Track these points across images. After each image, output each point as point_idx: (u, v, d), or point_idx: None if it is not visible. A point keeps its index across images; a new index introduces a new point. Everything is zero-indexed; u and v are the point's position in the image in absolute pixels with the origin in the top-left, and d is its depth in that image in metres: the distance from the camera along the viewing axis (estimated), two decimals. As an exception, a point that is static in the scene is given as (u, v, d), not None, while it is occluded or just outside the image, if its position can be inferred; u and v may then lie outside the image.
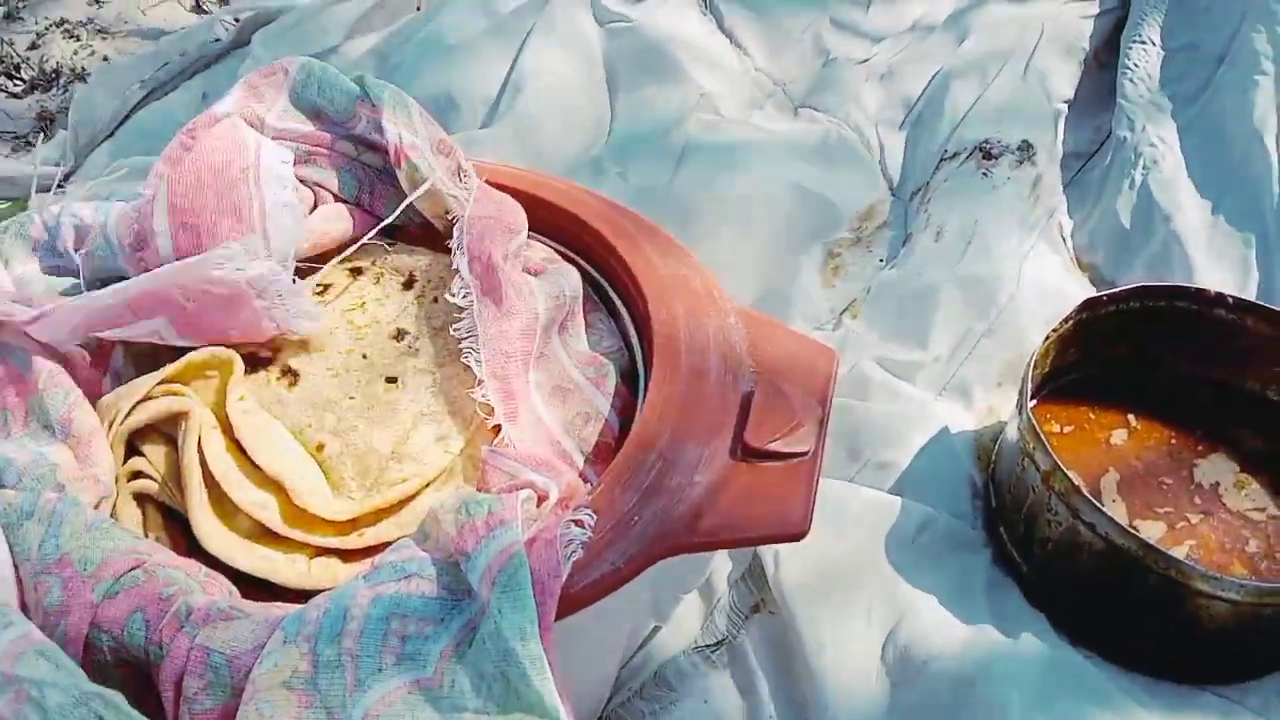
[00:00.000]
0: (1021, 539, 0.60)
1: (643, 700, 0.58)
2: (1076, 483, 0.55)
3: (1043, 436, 0.56)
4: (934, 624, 0.56)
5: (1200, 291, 0.64)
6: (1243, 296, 0.64)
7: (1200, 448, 0.65)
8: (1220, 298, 0.64)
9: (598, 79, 0.93)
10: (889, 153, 0.89)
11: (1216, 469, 0.64)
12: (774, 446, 0.51)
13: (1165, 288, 0.65)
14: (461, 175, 0.59)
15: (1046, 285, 0.75)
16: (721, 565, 0.64)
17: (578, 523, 0.45)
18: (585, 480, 0.53)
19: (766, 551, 0.62)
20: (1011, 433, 0.61)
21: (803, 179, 0.83)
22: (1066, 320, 0.63)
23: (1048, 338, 0.62)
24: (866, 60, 0.99)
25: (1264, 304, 0.64)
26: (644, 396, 0.55)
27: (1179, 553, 0.60)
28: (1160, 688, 0.56)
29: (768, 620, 0.61)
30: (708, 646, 0.61)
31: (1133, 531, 0.53)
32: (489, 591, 0.41)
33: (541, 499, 0.47)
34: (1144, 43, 0.90)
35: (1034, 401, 0.67)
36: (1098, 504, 0.54)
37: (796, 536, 0.49)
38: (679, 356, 0.55)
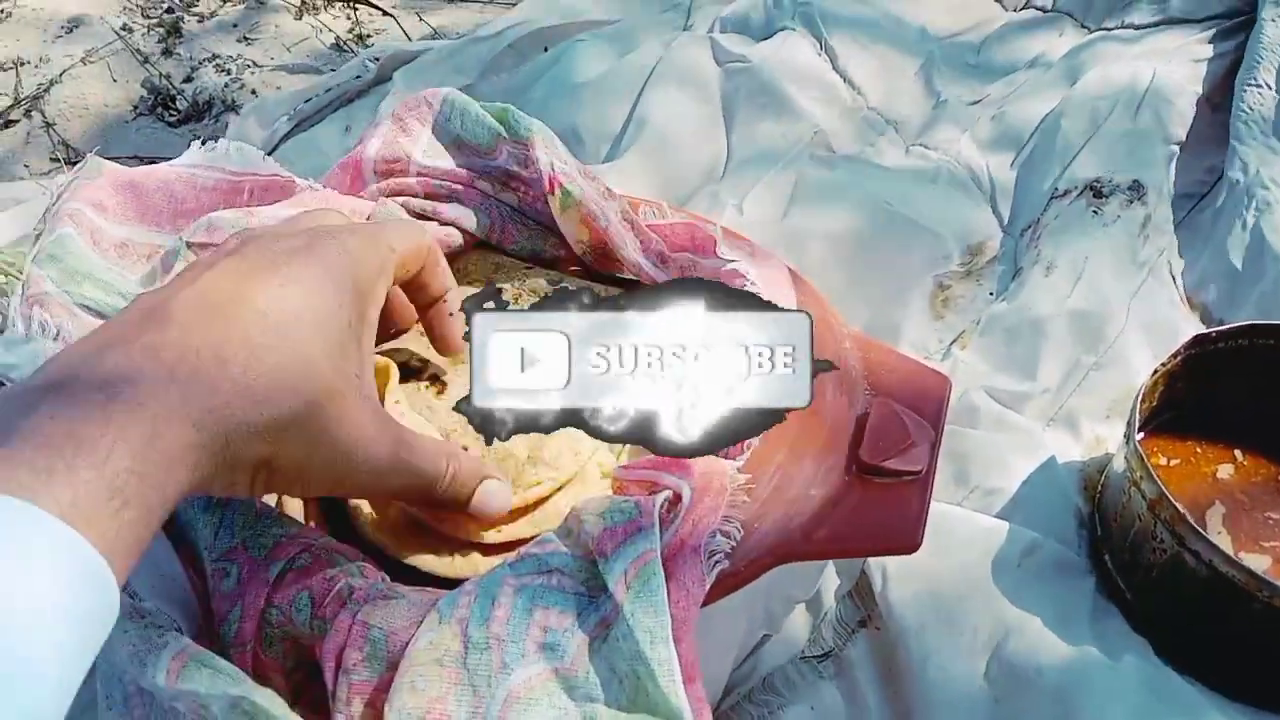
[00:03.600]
0: (1126, 566, 0.62)
1: (752, 704, 0.61)
2: (1182, 511, 0.56)
3: (1150, 466, 0.58)
4: (1038, 643, 0.58)
5: (1312, 332, 0.65)
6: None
7: (1307, 485, 0.66)
8: (1334, 338, 0.65)
9: (715, 116, 0.97)
10: (1000, 189, 0.91)
11: (1324, 506, 0.64)
12: (888, 464, 0.54)
13: (1275, 326, 0.66)
14: (610, 195, 0.63)
15: (1155, 322, 0.77)
16: (829, 580, 0.67)
17: (724, 533, 0.48)
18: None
19: (874, 568, 0.64)
20: (1119, 463, 0.63)
21: (914, 214, 0.86)
22: (1175, 355, 0.65)
23: (1156, 372, 0.64)
24: (979, 101, 1.01)
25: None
26: (763, 414, 0.58)
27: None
28: (1264, 718, 0.57)
29: (874, 635, 0.63)
30: (815, 657, 0.63)
31: (1237, 560, 0.54)
32: (623, 594, 0.45)
33: (677, 499, 0.50)
34: (1259, 86, 0.90)
35: (1141, 434, 0.68)
36: (1203, 532, 0.56)
37: (908, 550, 0.52)
38: (796, 377, 0.58)
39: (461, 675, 0.45)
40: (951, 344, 0.80)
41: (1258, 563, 0.62)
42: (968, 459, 0.69)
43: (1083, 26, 1.10)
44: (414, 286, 0.53)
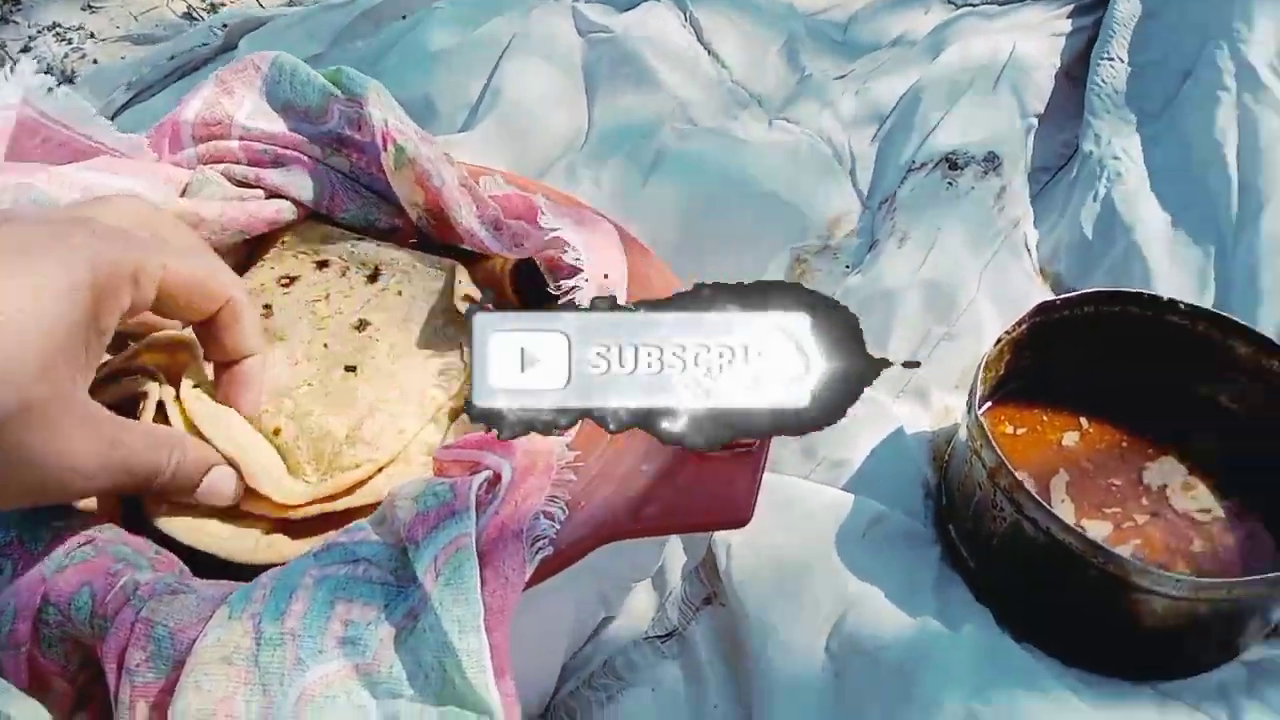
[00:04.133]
0: (969, 535, 0.61)
1: (590, 689, 0.59)
2: (1020, 479, 0.56)
3: (990, 434, 0.58)
4: (880, 616, 0.57)
5: (1153, 297, 0.65)
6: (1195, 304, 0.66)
7: (1150, 450, 0.66)
8: (1172, 304, 0.65)
9: (576, 88, 0.95)
10: (860, 164, 0.90)
11: (1165, 471, 0.65)
12: (720, 437, 0.52)
13: (1118, 293, 0.66)
14: (448, 160, 0.60)
15: (1007, 292, 0.76)
16: (675, 557, 0.65)
17: (548, 515, 0.46)
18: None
19: (720, 544, 0.63)
20: (962, 432, 0.62)
21: (774, 187, 0.85)
22: (1020, 324, 0.64)
23: (1000, 340, 0.63)
24: (843, 76, 1.00)
25: (1214, 310, 0.65)
26: (595, 387, 0.56)
27: (1124, 551, 0.61)
28: (1100, 682, 0.57)
29: (719, 612, 0.62)
30: (658, 637, 0.62)
31: (1073, 526, 0.54)
32: (432, 583, 0.42)
33: (497, 479, 0.48)
34: (1112, 59, 0.91)
35: (988, 403, 0.68)
36: (1040, 500, 0.55)
37: (739, 523, 0.50)
38: (632, 350, 0.56)
39: (251, 674, 0.41)
40: (808, 317, 0.78)
41: (1099, 529, 0.62)
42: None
43: (949, 2, 1.10)
44: (206, 337, 0.49)
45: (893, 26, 1.07)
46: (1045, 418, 0.68)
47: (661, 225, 0.82)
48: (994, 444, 0.57)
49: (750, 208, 0.83)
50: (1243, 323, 0.64)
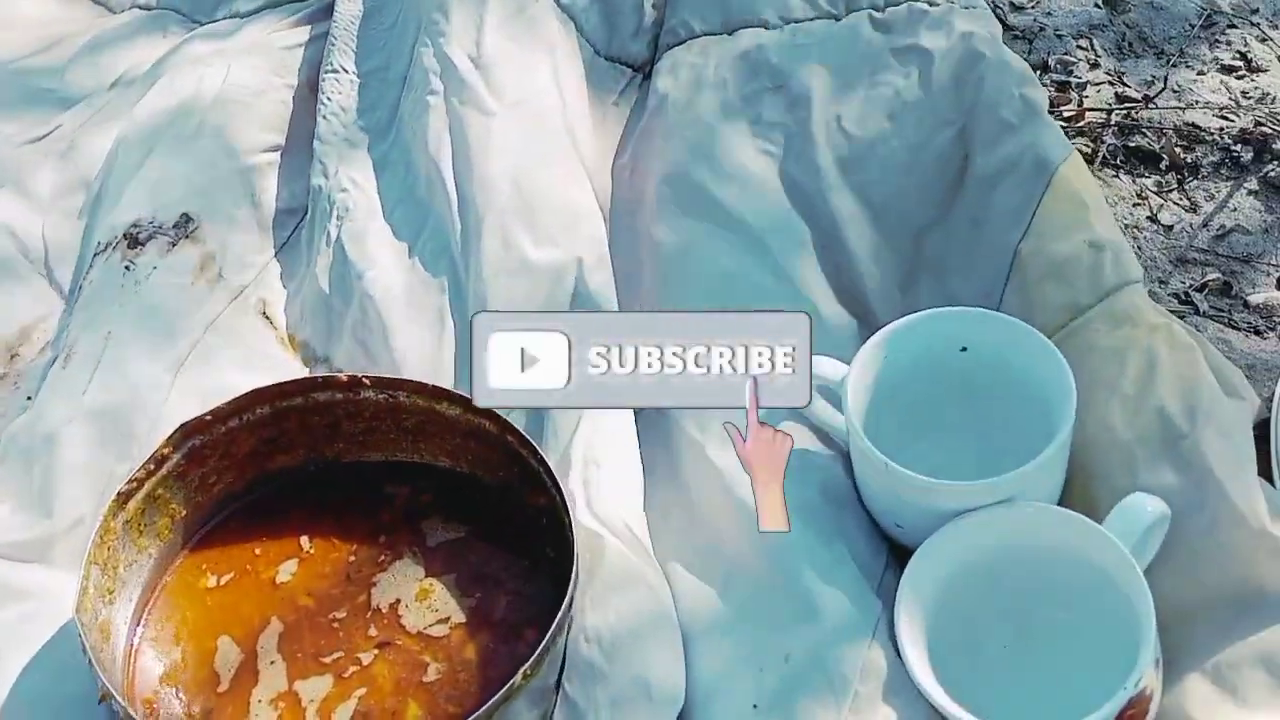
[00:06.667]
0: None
1: None
2: (122, 703, 0.42)
3: (94, 645, 0.43)
4: None
5: (329, 379, 0.54)
6: (386, 375, 0.55)
7: (383, 558, 0.54)
8: (358, 381, 0.55)
9: None
10: (57, 251, 0.72)
11: (398, 581, 0.54)
12: None
13: (291, 384, 0.55)
14: None
15: (221, 388, 0.61)
16: None
17: None
18: None
19: None
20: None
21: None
22: (160, 459, 0.50)
23: (122, 492, 0.48)
24: (43, 137, 0.81)
25: (411, 379, 0.55)
26: None
27: (347, 708, 0.49)
28: None
29: None
30: None
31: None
32: None
33: None
34: (337, 71, 0.79)
35: (186, 550, 0.53)
36: (150, 729, 0.41)
37: None
38: None
39: None
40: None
41: (318, 688, 0.50)
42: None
43: (193, 22, 0.93)
44: None
45: (117, 62, 0.88)
46: (258, 551, 0.54)
47: None
48: (96, 660, 0.42)
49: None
50: (441, 386, 0.55)
